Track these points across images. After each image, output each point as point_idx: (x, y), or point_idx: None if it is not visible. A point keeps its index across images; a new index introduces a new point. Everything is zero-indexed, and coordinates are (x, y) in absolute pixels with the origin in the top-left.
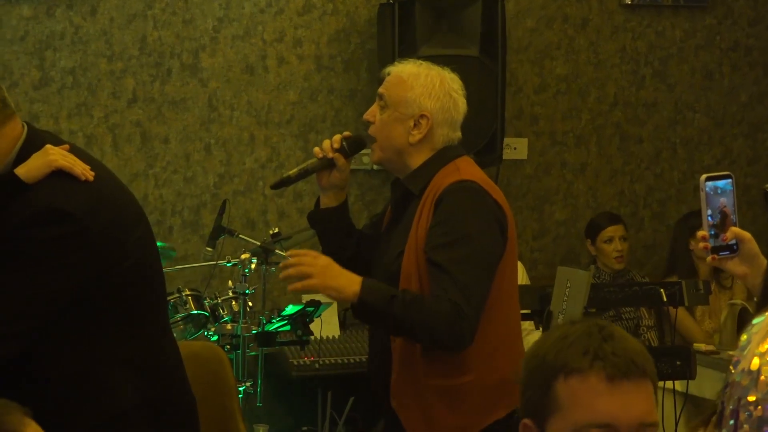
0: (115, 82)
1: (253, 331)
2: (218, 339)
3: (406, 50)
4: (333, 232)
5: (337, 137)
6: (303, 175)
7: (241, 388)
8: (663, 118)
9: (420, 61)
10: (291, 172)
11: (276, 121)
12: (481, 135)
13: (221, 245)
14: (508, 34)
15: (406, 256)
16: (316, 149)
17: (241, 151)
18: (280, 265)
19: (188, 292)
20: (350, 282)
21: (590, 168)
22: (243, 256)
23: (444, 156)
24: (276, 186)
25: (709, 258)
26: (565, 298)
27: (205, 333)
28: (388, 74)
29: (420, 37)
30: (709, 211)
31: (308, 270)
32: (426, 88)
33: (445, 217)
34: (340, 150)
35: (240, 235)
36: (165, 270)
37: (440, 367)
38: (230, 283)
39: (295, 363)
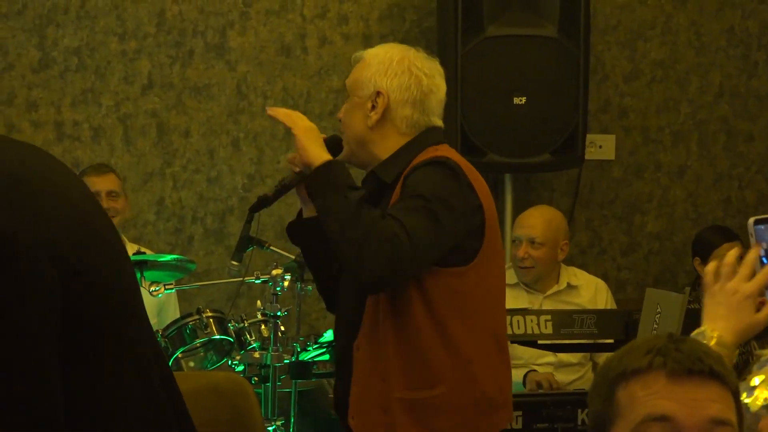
0: (128, 65)
1: (285, 361)
2: (244, 369)
3: (471, 29)
4: (318, 246)
5: None
6: (282, 191)
7: (270, 428)
8: None
9: (394, 44)
10: (270, 192)
11: (317, 112)
12: (559, 131)
13: (249, 259)
14: (592, 11)
15: None
16: (292, 160)
17: (274, 147)
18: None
19: (210, 314)
20: (323, 149)
21: (690, 171)
22: (274, 272)
23: (422, 141)
24: (255, 209)
25: None
26: (655, 325)
27: (229, 362)
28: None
29: (488, 13)
30: None
31: (297, 116)
32: (382, 64)
33: (408, 186)
34: None
35: (272, 247)
36: (184, 287)
37: (408, 377)
38: (259, 303)
39: None
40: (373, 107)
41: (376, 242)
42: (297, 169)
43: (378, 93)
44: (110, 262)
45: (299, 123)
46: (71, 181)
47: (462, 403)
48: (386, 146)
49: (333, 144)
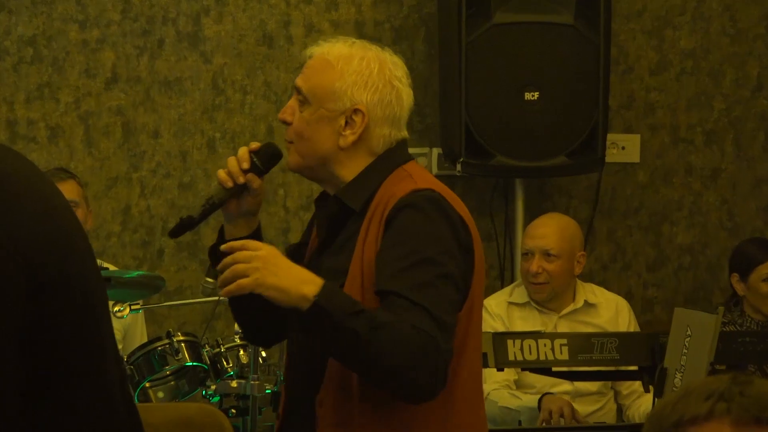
0: (89, 56)
1: (267, 391)
2: (220, 400)
3: (477, 15)
4: None
5: (244, 153)
6: (209, 211)
7: None
8: None
9: (352, 40)
10: (194, 212)
11: None
12: (576, 130)
13: None
14: None
15: (348, 287)
16: (222, 175)
17: None
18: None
19: (181, 338)
20: (300, 281)
21: (725, 175)
22: None
23: (389, 160)
24: (175, 233)
25: None
26: (685, 350)
27: (204, 392)
28: (310, 57)
29: None
30: None
31: (243, 267)
32: (361, 75)
33: (399, 239)
34: (251, 170)
35: None
36: (152, 306)
37: (382, 421)
38: (237, 326)
39: None
40: (347, 124)
41: (421, 360)
42: (229, 185)
43: (356, 110)
44: (82, 271)
45: (254, 276)
46: (46, 185)
47: None
48: (352, 168)
49: (271, 157)
